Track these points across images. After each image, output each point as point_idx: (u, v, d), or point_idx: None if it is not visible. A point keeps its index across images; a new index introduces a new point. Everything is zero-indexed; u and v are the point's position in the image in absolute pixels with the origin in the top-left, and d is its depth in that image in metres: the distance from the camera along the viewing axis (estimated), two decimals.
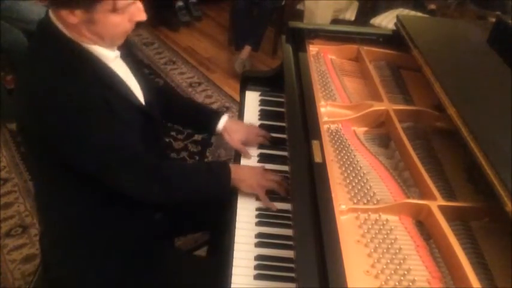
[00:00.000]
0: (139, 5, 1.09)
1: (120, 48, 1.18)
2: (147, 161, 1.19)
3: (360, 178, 1.16)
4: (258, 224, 1.20)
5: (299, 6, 3.51)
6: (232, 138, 1.48)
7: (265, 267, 1.08)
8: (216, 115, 1.52)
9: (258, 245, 1.14)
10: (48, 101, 1.04)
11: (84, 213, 1.23)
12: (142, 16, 1.10)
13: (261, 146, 1.48)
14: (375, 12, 3.27)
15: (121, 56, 1.20)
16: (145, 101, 1.26)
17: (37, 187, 1.32)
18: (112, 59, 1.15)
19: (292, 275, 1.04)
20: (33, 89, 1.07)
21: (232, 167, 1.29)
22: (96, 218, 1.23)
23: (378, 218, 1.05)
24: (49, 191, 1.24)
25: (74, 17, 1.03)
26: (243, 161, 1.44)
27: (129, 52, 1.28)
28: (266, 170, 1.35)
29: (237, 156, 1.46)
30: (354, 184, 1.14)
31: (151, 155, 1.22)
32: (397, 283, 0.91)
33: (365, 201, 1.10)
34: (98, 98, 1.09)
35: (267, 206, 1.25)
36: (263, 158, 1.43)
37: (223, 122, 1.50)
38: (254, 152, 1.46)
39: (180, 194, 1.26)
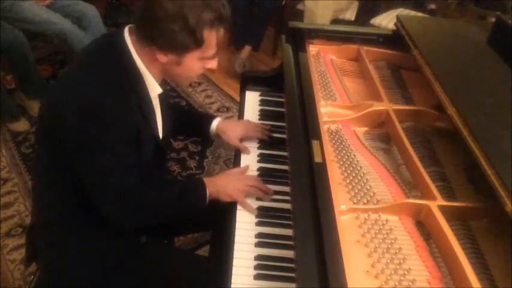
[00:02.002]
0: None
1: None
2: (125, 189, 1.17)
3: (360, 178, 1.16)
4: (258, 224, 1.20)
5: (299, 6, 3.50)
6: (230, 137, 1.49)
7: (265, 267, 1.08)
8: (207, 119, 1.54)
9: (258, 245, 1.14)
10: (95, 113, 1.09)
11: (79, 211, 1.23)
12: (215, 65, 1.21)
13: (261, 147, 1.48)
14: (375, 12, 3.27)
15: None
16: (163, 134, 1.32)
17: (38, 179, 1.32)
18: (156, 93, 1.22)
19: (292, 275, 1.04)
20: (81, 96, 1.11)
21: (207, 181, 1.28)
22: (92, 218, 1.22)
23: (377, 218, 1.05)
24: (49, 183, 1.25)
25: (166, 57, 1.12)
26: (243, 158, 1.44)
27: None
28: (242, 172, 1.35)
29: (237, 155, 1.46)
30: (354, 184, 1.14)
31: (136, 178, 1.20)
32: (397, 283, 0.91)
33: (365, 201, 1.10)
34: (134, 125, 1.15)
35: (247, 210, 1.24)
36: (263, 158, 1.43)
37: (215, 124, 1.51)
38: (254, 152, 1.46)
39: (152, 220, 1.27)
